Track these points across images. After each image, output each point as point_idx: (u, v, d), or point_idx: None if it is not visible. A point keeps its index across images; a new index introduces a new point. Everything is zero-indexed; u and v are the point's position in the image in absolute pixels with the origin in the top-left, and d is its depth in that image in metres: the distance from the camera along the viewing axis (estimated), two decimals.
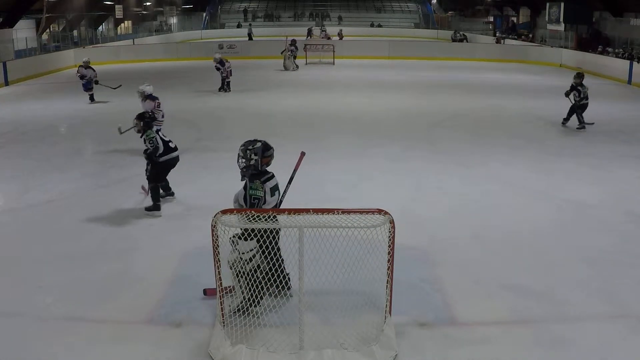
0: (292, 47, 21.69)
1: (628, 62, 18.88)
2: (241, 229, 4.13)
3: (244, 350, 3.95)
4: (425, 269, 5.36)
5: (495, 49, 27.19)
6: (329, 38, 29.22)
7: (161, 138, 6.65)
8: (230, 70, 15.80)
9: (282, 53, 21.73)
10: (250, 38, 34.33)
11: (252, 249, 4.26)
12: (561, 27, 26.67)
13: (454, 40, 32.39)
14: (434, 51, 26.41)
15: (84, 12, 32.04)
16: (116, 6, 33.78)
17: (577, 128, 11.23)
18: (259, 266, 4.34)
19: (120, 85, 14.54)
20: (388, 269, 4.10)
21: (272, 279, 4.23)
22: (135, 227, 6.42)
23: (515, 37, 33.09)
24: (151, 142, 6.52)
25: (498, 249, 5.84)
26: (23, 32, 24.04)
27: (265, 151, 4.52)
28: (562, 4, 25.93)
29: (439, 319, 4.49)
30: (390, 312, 4.24)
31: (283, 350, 3.95)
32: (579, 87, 11.20)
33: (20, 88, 17.80)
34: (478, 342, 4.22)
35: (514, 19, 36.88)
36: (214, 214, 3.92)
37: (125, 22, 38.80)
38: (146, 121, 6.69)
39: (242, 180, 4.59)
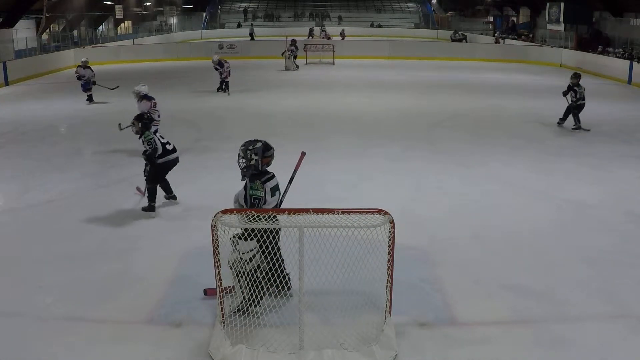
0: (292, 47, 21.69)
1: (628, 62, 18.88)
2: (241, 229, 4.13)
3: (244, 350, 3.95)
4: (425, 269, 5.36)
5: (495, 49, 27.18)
6: (329, 38, 29.22)
7: (159, 139, 6.64)
8: (229, 71, 15.80)
9: (282, 54, 21.73)
10: (252, 38, 34.32)
11: (252, 249, 4.27)
12: (561, 27, 26.68)
13: (453, 40, 32.36)
14: (434, 51, 26.41)
15: (84, 12, 32.05)
16: (116, 6, 33.78)
17: (573, 128, 11.18)
18: (259, 266, 4.34)
19: (118, 86, 14.54)
20: (388, 269, 4.10)
21: (272, 279, 4.23)
22: (135, 227, 6.42)
23: (515, 37, 33.09)
24: (149, 143, 6.53)
25: (498, 249, 5.84)
26: (23, 32, 24.04)
27: (266, 151, 4.52)
28: (562, 4, 25.94)
29: (439, 319, 4.49)
30: (390, 312, 4.24)
31: (283, 350, 3.95)
32: (575, 88, 11.15)
33: (20, 88, 17.80)
34: (478, 342, 4.22)
35: (514, 19, 36.89)
36: (214, 214, 3.92)
37: (125, 22, 38.80)
38: (144, 122, 6.70)
39: (242, 180, 4.59)
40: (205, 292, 4.79)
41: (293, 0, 48.87)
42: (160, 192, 6.87)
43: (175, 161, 6.77)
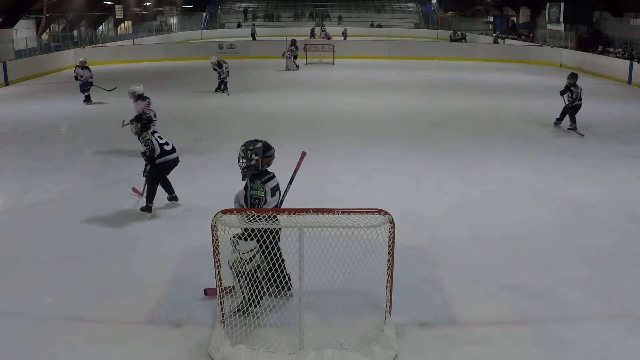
0: (292, 47, 21.70)
1: (628, 62, 18.88)
2: (241, 229, 4.13)
3: (244, 350, 3.95)
4: (425, 269, 5.36)
5: (496, 49, 27.19)
6: (329, 38, 29.23)
7: (156, 140, 6.64)
8: (228, 71, 15.79)
9: (283, 55, 21.73)
10: (254, 38, 34.33)
11: (252, 249, 4.27)
12: (561, 27, 26.68)
13: (452, 40, 32.37)
14: (434, 51, 26.42)
15: (84, 12, 32.05)
16: (116, 6, 33.79)
17: (568, 129, 11.14)
18: (259, 266, 4.34)
19: (115, 88, 14.53)
20: (388, 269, 4.10)
21: (272, 279, 4.23)
22: (135, 227, 6.42)
23: (515, 37, 33.09)
24: (146, 144, 6.54)
25: (498, 249, 5.84)
26: (23, 32, 24.05)
27: (266, 151, 4.52)
28: (562, 4, 25.94)
29: (439, 319, 4.49)
30: (390, 312, 4.24)
31: (283, 350, 3.95)
32: (572, 88, 11.11)
33: (20, 88, 17.79)
34: (478, 342, 4.22)
35: (514, 19, 36.90)
36: (214, 214, 3.92)
37: (125, 22, 38.81)
38: (143, 123, 6.70)
39: (242, 180, 4.59)
40: (206, 292, 4.78)
41: (293, 0, 48.88)
42: (162, 194, 6.86)
43: (174, 161, 6.76)
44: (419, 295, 4.85)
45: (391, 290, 4.19)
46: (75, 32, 30.60)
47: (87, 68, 14.33)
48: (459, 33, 33.68)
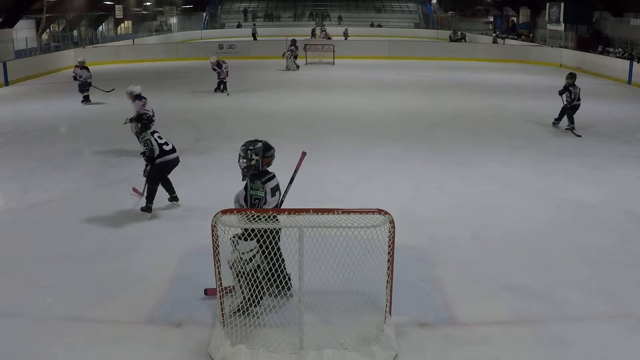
0: (292, 47, 21.70)
1: (628, 62, 18.87)
2: (241, 229, 4.13)
3: (244, 350, 3.95)
4: (425, 269, 5.36)
5: (496, 49, 27.19)
6: (329, 38, 29.23)
7: (156, 140, 6.64)
8: (227, 71, 15.78)
9: (283, 55, 21.74)
10: (255, 38, 34.33)
11: (252, 249, 4.27)
12: (561, 27, 26.68)
13: (451, 40, 32.36)
14: (434, 51, 26.41)
15: (84, 12, 32.05)
16: (116, 6, 33.79)
17: (566, 129, 11.11)
18: (259, 266, 4.34)
19: (114, 89, 14.52)
20: (388, 269, 4.10)
21: (272, 279, 4.23)
22: (135, 227, 6.42)
23: (515, 37, 33.09)
24: (145, 144, 6.55)
25: (498, 249, 5.84)
26: (23, 32, 24.05)
27: (266, 151, 4.52)
28: (562, 4, 25.94)
29: (439, 319, 4.49)
30: (390, 312, 4.25)
31: (283, 350, 3.95)
32: (571, 88, 11.09)
33: (20, 88, 17.79)
34: (478, 342, 4.22)
35: (514, 19, 36.89)
36: (214, 214, 3.92)
37: (125, 22, 38.81)
38: (143, 123, 6.70)
39: (242, 180, 4.59)
40: (206, 292, 4.79)
41: (293, 0, 48.88)
42: (163, 194, 6.86)
43: (174, 161, 6.75)
44: (419, 295, 4.85)
45: (391, 290, 4.19)
46: (75, 32, 30.60)
47: (86, 68, 14.32)
48: (459, 33, 33.68)
